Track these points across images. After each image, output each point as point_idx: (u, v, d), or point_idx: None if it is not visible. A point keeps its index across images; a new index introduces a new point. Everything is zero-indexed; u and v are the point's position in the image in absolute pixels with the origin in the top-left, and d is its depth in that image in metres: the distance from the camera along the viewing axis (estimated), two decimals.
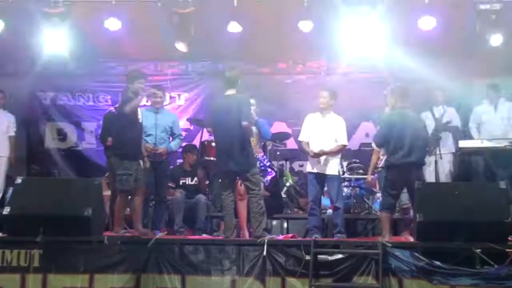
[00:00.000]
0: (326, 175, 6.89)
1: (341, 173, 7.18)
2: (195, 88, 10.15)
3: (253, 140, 6.62)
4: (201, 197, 7.79)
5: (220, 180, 6.41)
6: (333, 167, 6.91)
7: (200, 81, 10.14)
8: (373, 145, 7.64)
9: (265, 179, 6.83)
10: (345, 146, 7.12)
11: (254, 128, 6.63)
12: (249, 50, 9.72)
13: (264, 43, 9.40)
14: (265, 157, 6.98)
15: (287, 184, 8.67)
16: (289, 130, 9.32)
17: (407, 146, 6.21)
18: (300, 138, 7.17)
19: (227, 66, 9.12)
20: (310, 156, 6.91)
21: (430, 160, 7.68)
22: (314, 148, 6.91)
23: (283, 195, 8.44)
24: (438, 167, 7.39)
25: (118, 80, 10.04)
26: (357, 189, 8.33)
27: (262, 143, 7.29)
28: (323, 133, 6.96)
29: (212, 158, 8.41)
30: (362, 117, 9.73)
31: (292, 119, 9.71)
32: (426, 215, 5.83)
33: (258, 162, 6.63)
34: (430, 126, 7.50)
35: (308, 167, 7.02)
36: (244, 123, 6.19)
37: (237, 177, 6.35)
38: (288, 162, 9.35)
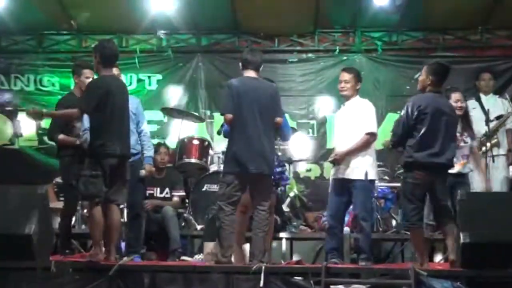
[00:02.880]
0: (350, 180, 6.73)
1: (368, 176, 6.74)
2: (171, 69, 10.14)
3: None
4: (168, 209, 7.76)
5: (229, 188, 6.34)
6: (358, 168, 6.70)
7: (178, 59, 10.13)
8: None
9: (279, 189, 6.85)
10: (372, 135, 6.76)
11: None
12: (242, 20, 9.70)
13: (261, 10, 9.38)
14: (279, 161, 6.87)
15: (291, 194, 8.64)
16: (293, 124, 9.28)
17: (439, 143, 6.17)
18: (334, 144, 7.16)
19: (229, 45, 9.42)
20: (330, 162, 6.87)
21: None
22: (338, 149, 6.83)
23: (286, 209, 8.41)
24: (490, 173, 7.37)
25: (70, 58, 10.05)
26: (382, 200, 8.30)
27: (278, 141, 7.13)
28: (346, 127, 6.80)
29: (193, 161, 8.46)
30: (388, 107, 9.72)
31: (297, 109, 9.69)
32: (473, 235, 5.76)
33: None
34: (478, 118, 7.47)
35: (331, 172, 6.96)
36: (279, 119, 6.34)
37: (249, 185, 6.32)
38: (291, 166, 9.31)
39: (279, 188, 6.88)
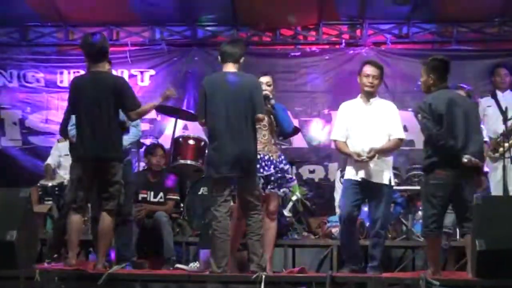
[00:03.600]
0: (377, 184, 6.67)
1: (393, 182, 6.83)
2: (164, 64, 10.13)
3: (265, 135, 6.56)
4: (161, 215, 7.75)
5: (213, 193, 6.31)
6: (383, 173, 6.67)
7: (173, 53, 10.12)
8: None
9: (282, 190, 6.83)
10: (402, 141, 6.89)
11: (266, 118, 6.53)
12: (241, 10, 9.69)
13: (262, 1, 9.37)
14: (282, 157, 6.86)
15: (293, 198, 8.63)
16: (295, 122, 9.25)
17: (461, 137, 6.14)
18: (333, 137, 6.98)
19: (227, 37, 9.33)
20: (355, 161, 6.74)
21: (495, 166, 7.62)
22: (358, 148, 6.74)
23: (288, 214, 8.41)
24: (507, 176, 7.34)
25: (55, 52, 10.05)
26: (392, 205, 8.28)
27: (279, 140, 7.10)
28: (370, 127, 6.72)
29: (189, 162, 8.44)
30: (398, 104, 9.67)
31: (300, 106, 9.67)
32: (490, 242, 5.72)
33: (273, 167, 6.56)
34: (494, 116, 7.45)
35: (348, 173, 6.81)
36: (260, 115, 6.20)
37: (233, 187, 6.31)
38: (294, 167, 9.28)
39: (281, 190, 6.80)
